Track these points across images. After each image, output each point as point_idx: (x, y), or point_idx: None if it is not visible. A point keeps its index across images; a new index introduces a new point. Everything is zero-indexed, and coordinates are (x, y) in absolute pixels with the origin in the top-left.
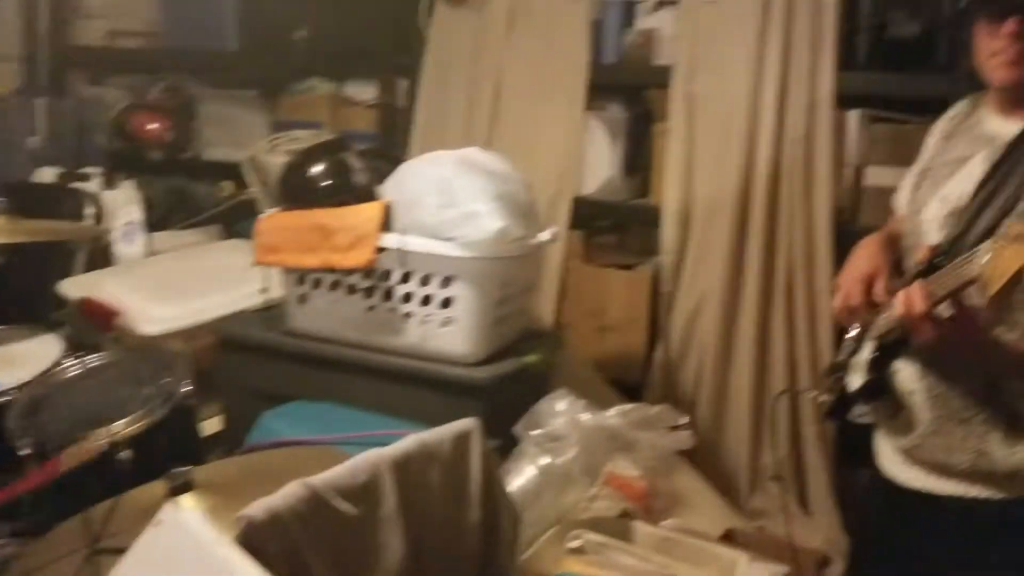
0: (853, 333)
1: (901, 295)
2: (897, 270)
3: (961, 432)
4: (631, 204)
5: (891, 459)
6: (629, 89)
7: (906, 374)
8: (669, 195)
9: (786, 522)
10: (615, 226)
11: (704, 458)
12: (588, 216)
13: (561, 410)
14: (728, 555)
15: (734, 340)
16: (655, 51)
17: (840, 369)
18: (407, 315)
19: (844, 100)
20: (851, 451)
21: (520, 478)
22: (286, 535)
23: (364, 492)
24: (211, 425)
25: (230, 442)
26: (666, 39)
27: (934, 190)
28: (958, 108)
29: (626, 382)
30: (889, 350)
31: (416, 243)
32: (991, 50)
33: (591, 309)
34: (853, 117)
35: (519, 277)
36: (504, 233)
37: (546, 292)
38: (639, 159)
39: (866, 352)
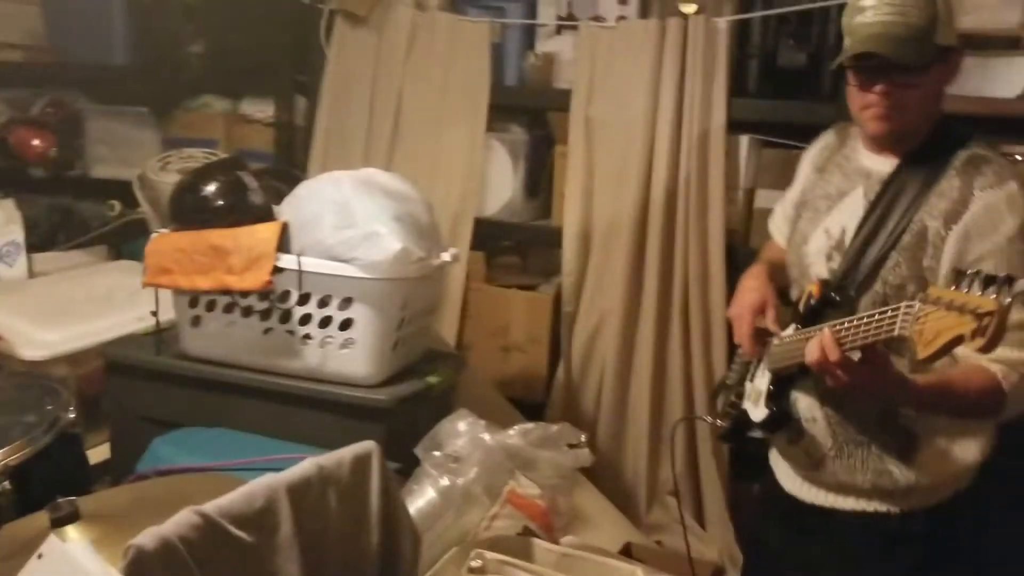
0: (743, 357)
1: (815, 343)
2: (782, 297)
3: (861, 454)
4: (533, 225)
5: (791, 479)
6: (530, 111)
7: (805, 403)
8: (570, 216)
9: (686, 535)
10: (517, 247)
11: (605, 474)
12: (490, 237)
13: (462, 430)
14: (626, 569)
15: (633, 358)
16: (555, 74)
17: (729, 391)
18: (305, 337)
19: (735, 126)
20: (745, 465)
21: (421, 499)
22: (177, 564)
23: (260, 518)
24: (98, 453)
25: (118, 470)
26: (566, 63)
27: (816, 223)
28: (826, 139)
29: (529, 401)
30: (785, 381)
31: (314, 264)
32: (864, 103)
33: (494, 329)
34: (744, 142)
35: (420, 298)
36: (404, 254)
37: (448, 313)
38: (540, 181)
39: (762, 381)
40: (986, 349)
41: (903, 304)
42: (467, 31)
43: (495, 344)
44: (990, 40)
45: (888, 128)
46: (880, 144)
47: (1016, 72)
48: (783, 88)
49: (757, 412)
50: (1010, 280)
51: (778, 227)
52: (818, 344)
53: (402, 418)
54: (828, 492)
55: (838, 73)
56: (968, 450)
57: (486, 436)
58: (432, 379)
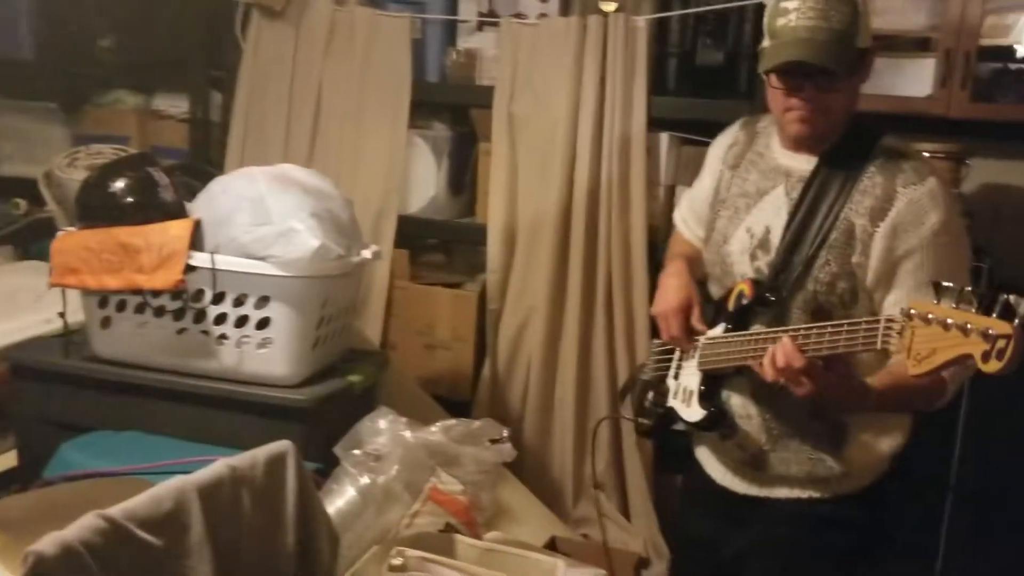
0: (659, 353)
1: (779, 352)
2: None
3: (795, 447)
4: (457, 223)
5: (722, 472)
6: (453, 108)
7: (738, 401)
8: (494, 214)
9: (605, 528)
10: (442, 245)
11: (531, 469)
12: (414, 235)
13: (383, 428)
14: (548, 562)
15: (558, 354)
16: (478, 71)
17: (648, 388)
18: (221, 337)
19: (655, 123)
20: (668, 458)
21: (340, 499)
22: (80, 570)
23: (168, 521)
24: (4, 460)
25: (25, 476)
26: (488, 59)
27: (737, 222)
28: (733, 135)
29: (454, 399)
30: (716, 380)
31: (229, 262)
32: (787, 106)
33: (419, 327)
34: (664, 139)
35: (340, 296)
36: (322, 251)
37: (372, 311)
38: (464, 178)
39: (690, 380)
40: (1003, 371)
41: (883, 318)
42: (387, 26)
43: (420, 342)
44: (900, 41)
45: (811, 131)
46: (798, 143)
47: (925, 72)
48: (701, 86)
49: (691, 412)
50: (1010, 300)
51: (685, 221)
52: (782, 353)
53: (322, 418)
54: (763, 484)
55: (756, 72)
56: (893, 437)
57: (407, 433)
58: (354, 378)
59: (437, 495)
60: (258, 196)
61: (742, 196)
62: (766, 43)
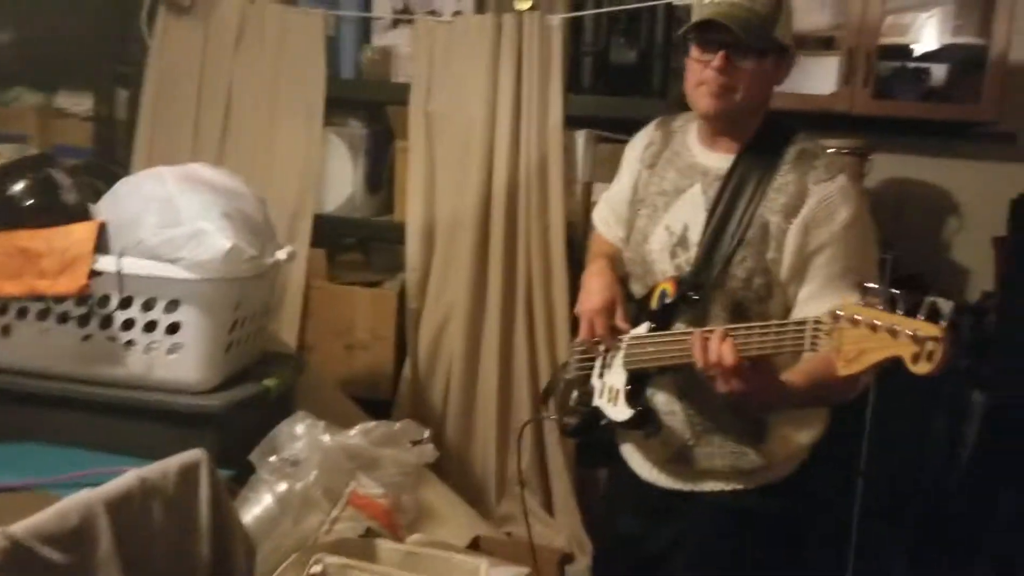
0: (581, 352)
1: (712, 347)
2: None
3: (718, 441)
4: (375, 221)
5: (647, 468)
6: (369, 105)
7: (663, 398)
8: (412, 212)
9: (529, 525)
10: (360, 243)
11: (455, 469)
12: (331, 234)
13: (299, 433)
14: (471, 563)
15: (480, 352)
16: (394, 68)
17: (571, 387)
18: (129, 343)
19: (572, 121)
20: (591, 454)
21: (257, 507)
22: None
23: (75, 537)
24: None
25: None
26: (403, 57)
27: (655, 220)
28: (649, 136)
29: (375, 399)
30: (641, 379)
31: (136, 266)
32: (699, 79)
33: (337, 328)
34: (580, 137)
35: (254, 298)
36: (234, 252)
37: (289, 313)
38: (381, 176)
39: (616, 379)
40: (934, 373)
41: (811, 320)
42: (300, 23)
43: (339, 343)
44: (805, 40)
45: (720, 107)
46: (714, 131)
47: (829, 70)
48: (616, 84)
49: (618, 411)
50: (936, 303)
51: (604, 221)
52: (716, 349)
53: (237, 424)
54: (687, 479)
55: (669, 71)
56: (811, 428)
57: (325, 437)
58: (269, 382)
59: (357, 500)
60: (166, 197)
61: (660, 195)
62: (693, 13)
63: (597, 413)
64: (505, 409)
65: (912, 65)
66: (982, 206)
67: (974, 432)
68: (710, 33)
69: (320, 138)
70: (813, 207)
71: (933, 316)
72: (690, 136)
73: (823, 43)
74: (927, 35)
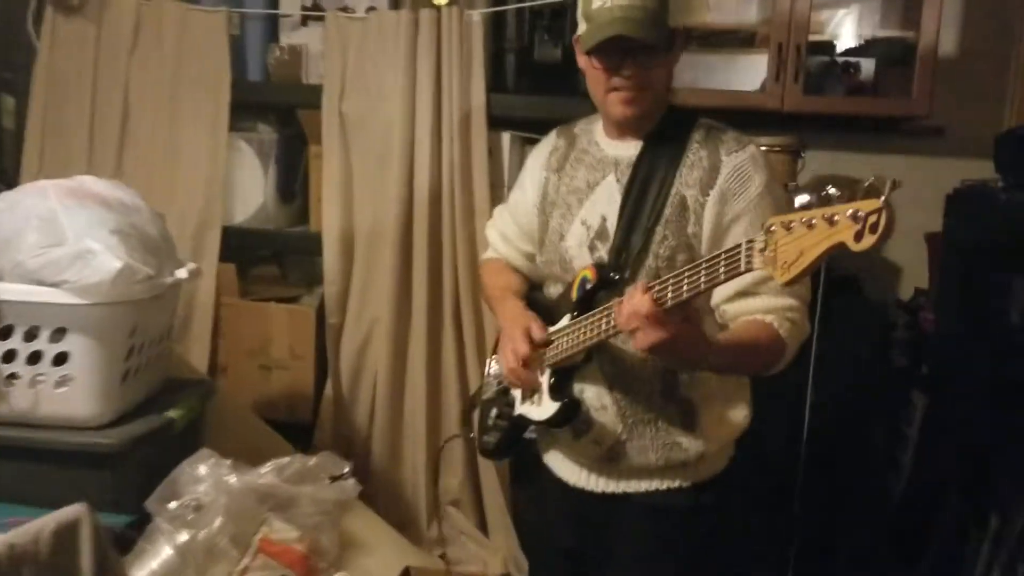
0: (495, 369)
1: (633, 298)
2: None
3: (650, 432)
4: (289, 232)
5: (577, 473)
6: (279, 109)
7: (592, 392)
8: (328, 221)
9: (466, 546)
10: (275, 256)
11: (382, 492)
12: (242, 247)
13: (203, 474)
14: None
15: (406, 369)
16: (304, 68)
17: (491, 404)
18: (11, 377)
19: (496, 122)
20: (522, 469)
21: (154, 560)
22: None
23: None
24: None
25: None
26: (314, 56)
27: (571, 217)
28: (551, 143)
29: (295, 423)
30: (566, 374)
31: (15, 291)
32: (609, 87)
33: (252, 348)
34: (506, 139)
35: (152, 322)
36: (125, 273)
37: (197, 333)
38: (295, 183)
39: (543, 383)
40: (878, 244)
41: (743, 241)
42: (201, 22)
43: (254, 363)
44: (731, 36)
45: (635, 111)
46: (622, 130)
47: (756, 67)
48: (541, 83)
49: (542, 410)
50: (873, 181)
51: (502, 235)
52: (638, 299)
53: (136, 462)
54: (620, 479)
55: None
56: (738, 411)
57: (232, 479)
58: (173, 413)
59: (268, 547)
60: (49, 213)
61: (572, 193)
62: (582, 27)
63: (519, 424)
64: (434, 428)
65: (841, 60)
66: (914, 202)
67: (915, 434)
68: (612, 42)
69: (226, 145)
70: (727, 176)
71: (872, 194)
72: (595, 134)
73: (749, 39)
74: (855, 29)
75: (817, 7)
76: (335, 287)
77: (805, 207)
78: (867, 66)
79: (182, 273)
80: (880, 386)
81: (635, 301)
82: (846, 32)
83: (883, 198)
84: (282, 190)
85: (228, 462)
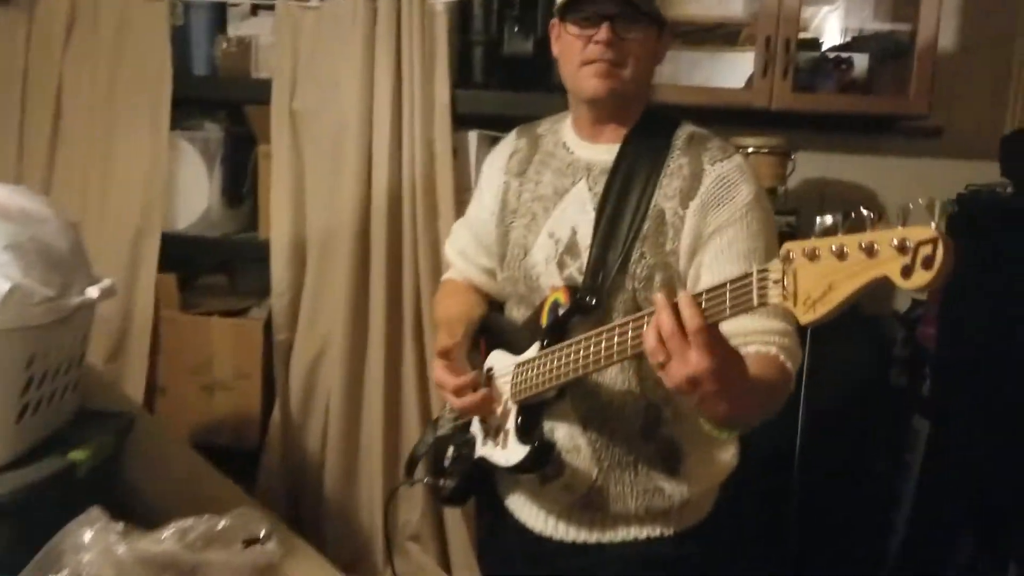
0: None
1: (664, 319)
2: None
3: (629, 477)
4: (236, 239)
5: (543, 519)
6: (227, 105)
7: (564, 432)
8: (278, 227)
9: None
10: (220, 265)
11: (336, 524)
12: (185, 255)
13: (88, 542)
14: None
15: (363, 388)
16: (254, 62)
17: (445, 444)
18: None
19: (462, 120)
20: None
21: None
22: None
23: None
24: None
25: None
26: (264, 48)
27: (536, 229)
28: (512, 145)
29: (241, 448)
30: (533, 412)
31: None
32: (582, 58)
33: (193, 366)
34: (473, 138)
35: (56, 349)
36: (18, 295)
37: (134, 350)
38: (243, 186)
39: (502, 419)
40: (936, 282)
41: (755, 270)
42: (140, 13)
43: (196, 383)
44: (715, 31)
45: (609, 87)
46: (597, 120)
47: (741, 64)
48: (511, 78)
49: (508, 454)
50: (920, 203)
51: (461, 252)
52: (666, 316)
53: (30, 515)
54: (595, 528)
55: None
56: (725, 451)
57: (120, 548)
58: (77, 455)
59: None
60: None
61: (537, 200)
62: None
63: (482, 467)
64: (392, 452)
65: (832, 55)
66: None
67: (918, 463)
68: (590, 3)
69: (167, 144)
70: (710, 187)
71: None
72: (564, 135)
73: (735, 34)
74: (844, 22)
75: (805, 1)
76: (284, 299)
77: (829, 231)
78: (860, 62)
79: (92, 292)
80: (879, 409)
81: (671, 317)
82: (835, 26)
83: (933, 224)
84: (229, 193)
85: (119, 525)
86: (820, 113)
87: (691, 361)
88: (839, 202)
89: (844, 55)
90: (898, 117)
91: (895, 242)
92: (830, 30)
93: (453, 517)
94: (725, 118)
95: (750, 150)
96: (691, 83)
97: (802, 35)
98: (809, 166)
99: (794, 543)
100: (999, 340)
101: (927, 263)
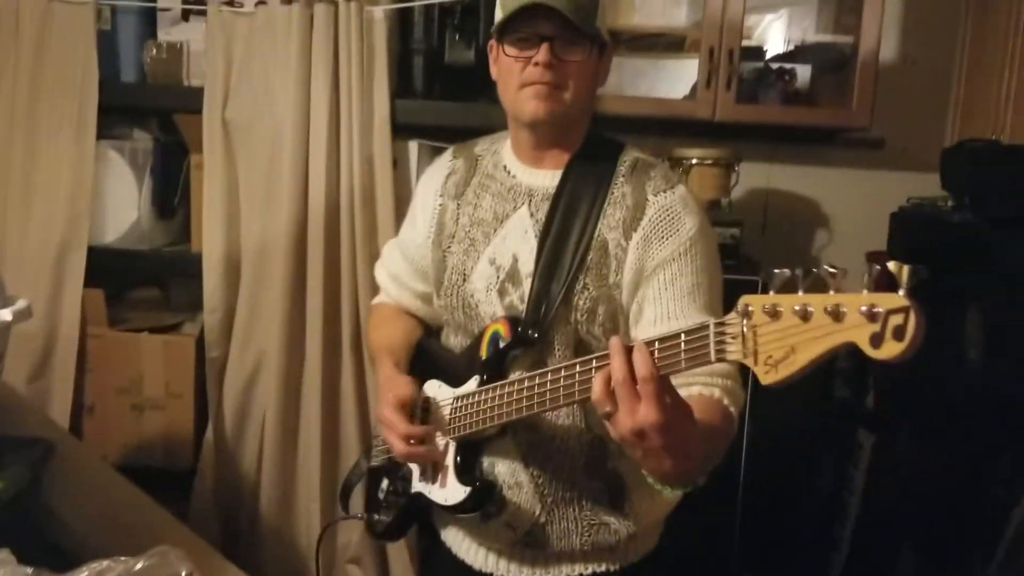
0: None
1: (619, 364)
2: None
3: (574, 513)
4: (166, 252)
5: (483, 555)
6: (157, 113)
7: (505, 468)
8: (210, 240)
9: None
10: (151, 280)
11: (272, 546)
12: (113, 270)
13: None
14: None
15: (299, 408)
16: (186, 69)
17: (379, 477)
18: None
19: (403, 130)
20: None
21: None
22: None
23: None
24: None
25: None
26: (196, 55)
27: (475, 254)
28: (448, 165)
29: (173, 470)
30: (472, 448)
31: None
32: (521, 80)
33: (122, 384)
34: (413, 148)
35: None
36: None
37: (59, 369)
38: (174, 197)
39: (444, 457)
40: (907, 354)
41: (712, 322)
42: (64, 16)
43: (125, 402)
44: (658, 40)
45: (549, 109)
46: (536, 149)
47: (685, 73)
48: (452, 88)
49: (447, 493)
50: (889, 268)
51: (393, 277)
52: (621, 361)
53: None
54: (538, 565)
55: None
56: None
57: None
58: None
59: None
60: None
61: (476, 225)
62: (498, 16)
63: (419, 502)
64: (331, 472)
65: (776, 66)
66: (854, 218)
67: (862, 477)
68: (528, 25)
69: (93, 154)
70: (653, 218)
71: (886, 285)
72: (503, 157)
73: (677, 43)
74: (786, 33)
75: (754, 8)
76: (216, 315)
77: (788, 285)
78: (803, 73)
79: (5, 315)
80: (823, 422)
81: (624, 363)
82: (777, 36)
83: (902, 292)
84: (159, 204)
85: (28, 570)
86: (763, 124)
87: (639, 412)
88: (783, 213)
89: (787, 66)
90: (841, 129)
91: (863, 308)
92: (773, 39)
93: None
94: (669, 128)
95: (694, 161)
96: (635, 92)
97: (745, 43)
98: (753, 176)
99: (738, 565)
100: (941, 351)
101: (898, 333)
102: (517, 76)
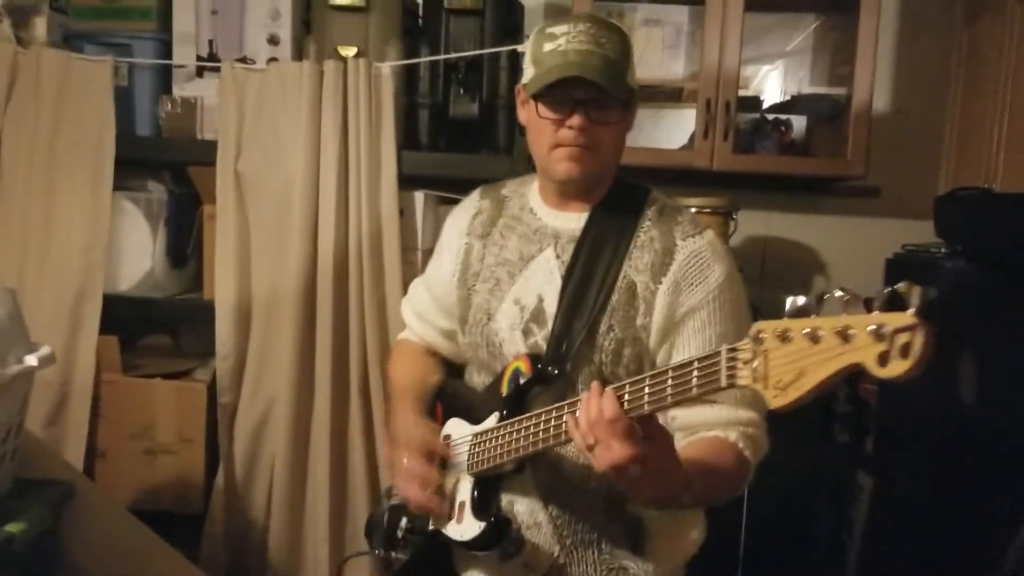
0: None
1: (590, 403)
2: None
3: (593, 555)
4: (180, 300)
5: None
6: (171, 166)
7: (524, 507)
8: (222, 288)
9: None
10: (164, 327)
11: None
12: (127, 317)
13: None
14: None
15: (308, 453)
16: (200, 123)
17: (398, 515)
18: None
19: (408, 181)
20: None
21: None
22: None
23: None
24: None
25: None
26: (210, 110)
27: (500, 294)
28: (475, 205)
29: (183, 514)
30: (491, 485)
31: None
32: (554, 141)
33: (134, 429)
34: (419, 199)
35: None
36: None
37: (73, 415)
38: (187, 247)
39: (460, 491)
40: (914, 372)
41: (724, 349)
42: (84, 72)
43: (137, 447)
44: (657, 91)
45: (581, 171)
46: (564, 197)
47: (683, 123)
48: (456, 140)
49: (463, 528)
50: (898, 290)
51: (419, 314)
52: (595, 404)
53: None
54: None
55: (515, 124)
56: (692, 528)
57: None
58: (13, 528)
59: None
60: None
61: (502, 265)
62: (529, 73)
63: (436, 541)
64: (339, 518)
65: (771, 117)
66: (850, 265)
67: (862, 519)
68: (563, 88)
69: (109, 205)
70: (682, 264)
71: (896, 305)
72: (530, 199)
73: (675, 94)
74: (781, 84)
75: (750, 60)
76: (228, 362)
77: (801, 311)
78: (798, 123)
79: (31, 360)
80: (822, 465)
81: (594, 405)
82: (773, 88)
83: (911, 311)
84: (173, 254)
85: None
86: (760, 173)
87: (614, 448)
88: (781, 260)
89: (783, 117)
90: (836, 178)
91: (871, 328)
92: (769, 90)
93: None
94: (667, 178)
95: (693, 210)
96: (634, 143)
97: (742, 93)
98: (751, 225)
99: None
100: (940, 395)
101: (904, 351)
102: (550, 136)
